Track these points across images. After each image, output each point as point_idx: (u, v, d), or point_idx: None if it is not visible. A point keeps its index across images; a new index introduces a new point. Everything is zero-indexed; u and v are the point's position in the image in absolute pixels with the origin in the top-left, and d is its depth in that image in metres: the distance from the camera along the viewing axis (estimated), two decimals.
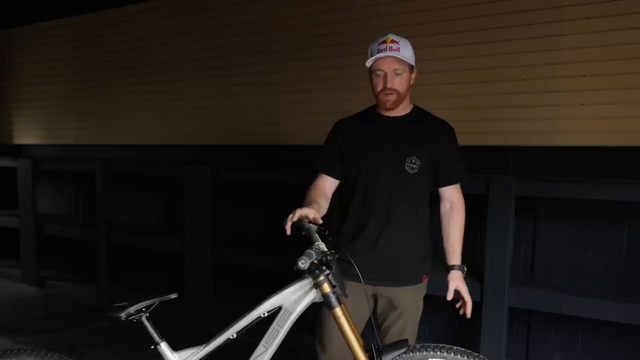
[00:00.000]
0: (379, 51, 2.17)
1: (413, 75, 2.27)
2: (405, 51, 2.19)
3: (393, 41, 2.17)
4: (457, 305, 2.35)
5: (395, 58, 2.17)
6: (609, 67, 3.26)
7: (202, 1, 5.14)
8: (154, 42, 5.49)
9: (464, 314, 2.33)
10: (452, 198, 2.33)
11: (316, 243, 1.85)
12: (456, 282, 2.30)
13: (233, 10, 4.89)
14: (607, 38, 3.25)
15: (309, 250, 1.77)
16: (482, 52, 3.63)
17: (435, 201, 2.39)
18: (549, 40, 3.42)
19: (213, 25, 5.05)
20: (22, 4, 6.59)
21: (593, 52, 3.30)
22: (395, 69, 2.19)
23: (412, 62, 2.23)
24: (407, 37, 2.26)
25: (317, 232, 1.92)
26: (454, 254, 2.32)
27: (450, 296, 2.31)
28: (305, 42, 4.46)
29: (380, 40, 2.20)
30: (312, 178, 2.39)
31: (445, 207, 2.35)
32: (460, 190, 2.36)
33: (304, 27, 4.47)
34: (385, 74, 2.19)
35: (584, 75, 3.34)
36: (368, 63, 2.20)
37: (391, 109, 2.26)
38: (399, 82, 2.21)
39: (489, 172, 3.31)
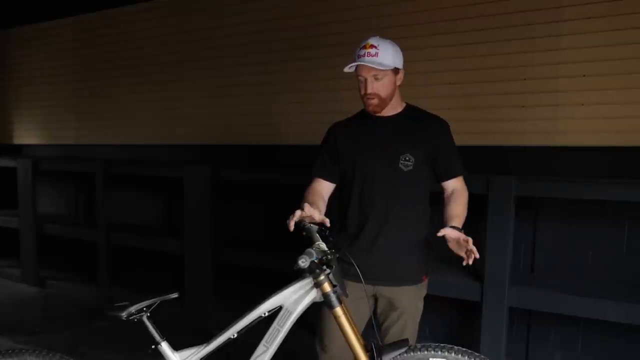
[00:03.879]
0: (358, 57, 2.18)
1: (399, 76, 2.27)
2: (385, 56, 2.17)
3: (372, 46, 2.17)
4: (464, 254, 2.03)
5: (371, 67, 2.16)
6: (609, 67, 3.26)
7: (202, 1, 5.13)
8: (154, 42, 5.49)
9: (474, 258, 2.01)
10: (454, 187, 2.31)
11: (316, 243, 1.86)
12: (449, 230, 2.07)
13: (233, 10, 4.89)
14: (607, 38, 3.25)
15: (310, 250, 1.78)
16: (482, 52, 3.63)
17: (435, 201, 2.38)
18: (549, 40, 3.42)
19: (213, 25, 5.05)
20: (22, 4, 6.59)
21: (593, 52, 3.30)
22: (374, 75, 2.19)
23: (394, 65, 2.21)
24: (392, 37, 2.25)
25: (318, 232, 1.92)
26: (456, 218, 2.17)
27: (440, 234, 2.06)
28: (305, 42, 4.46)
29: (361, 45, 2.20)
30: (310, 179, 2.40)
31: (447, 193, 2.31)
32: (462, 181, 2.34)
33: (304, 27, 4.47)
34: (365, 80, 2.21)
35: (584, 75, 3.34)
36: (346, 69, 2.22)
37: (375, 112, 2.28)
38: (380, 87, 2.21)
39: (489, 172, 3.30)
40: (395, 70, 2.24)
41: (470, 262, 2.01)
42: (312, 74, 4.43)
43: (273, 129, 4.71)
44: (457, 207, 2.24)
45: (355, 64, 2.19)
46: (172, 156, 5.41)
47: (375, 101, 2.23)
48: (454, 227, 2.10)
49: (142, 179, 5.29)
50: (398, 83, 2.28)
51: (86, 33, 6.12)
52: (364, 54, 2.17)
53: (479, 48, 3.64)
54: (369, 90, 2.21)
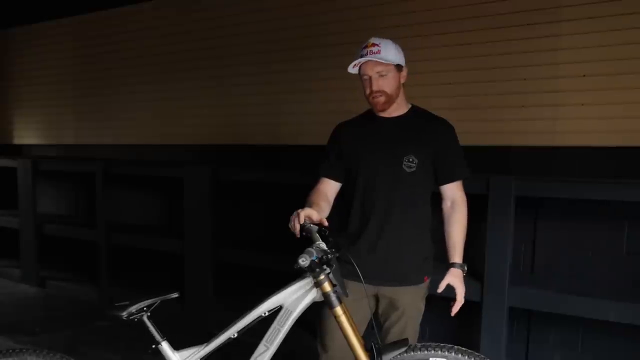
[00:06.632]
0: (360, 57, 2.20)
1: (403, 74, 2.28)
2: (387, 52, 2.20)
3: (373, 44, 2.20)
4: (451, 304, 2.34)
5: (375, 61, 2.18)
6: (609, 67, 3.26)
7: (202, 1, 5.14)
8: (154, 42, 5.49)
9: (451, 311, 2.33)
10: (453, 196, 2.33)
11: (316, 242, 1.86)
12: (451, 278, 2.30)
13: (233, 10, 4.90)
14: (607, 38, 3.25)
15: (310, 249, 1.78)
16: (482, 52, 3.64)
17: (437, 201, 2.38)
18: (549, 40, 3.42)
19: (213, 25, 5.05)
20: (22, 4, 6.59)
21: (593, 52, 3.31)
22: (378, 71, 2.20)
23: (397, 62, 2.24)
24: (392, 37, 2.27)
25: (318, 232, 1.93)
26: (455, 252, 2.32)
27: (440, 289, 2.31)
28: (305, 42, 4.46)
29: (363, 45, 2.23)
30: (312, 178, 2.40)
31: (446, 205, 2.35)
32: (461, 187, 2.35)
33: (304, 27, 4.48)
34: (370, 78, 2.21)
35: (584, 75, 3.34)
36: (350, 70, 2.23)
37: (382, 110, 2.28)
38: (385, 83, 2.22)
39: (490, 172, 3.31)
40: (399, 68, 2.25)
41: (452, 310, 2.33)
42: (312, 73, 4.44)
43: (273, 129, 4.71)
44: (458, 233, 2.31)
45: (359, 60, 2.19)
46: (172, 156, 5.41)
47: (382, 98, 2.23)
48: (454, 265, 2.29)
49: (142, 179, 5.29)
50: (402, 81, 2.28)
51: (86, 33, 6.12)
52: (366, 52, 2.19)
53: (479, 48, 3.65)
54: (374, 88, 2.21)
